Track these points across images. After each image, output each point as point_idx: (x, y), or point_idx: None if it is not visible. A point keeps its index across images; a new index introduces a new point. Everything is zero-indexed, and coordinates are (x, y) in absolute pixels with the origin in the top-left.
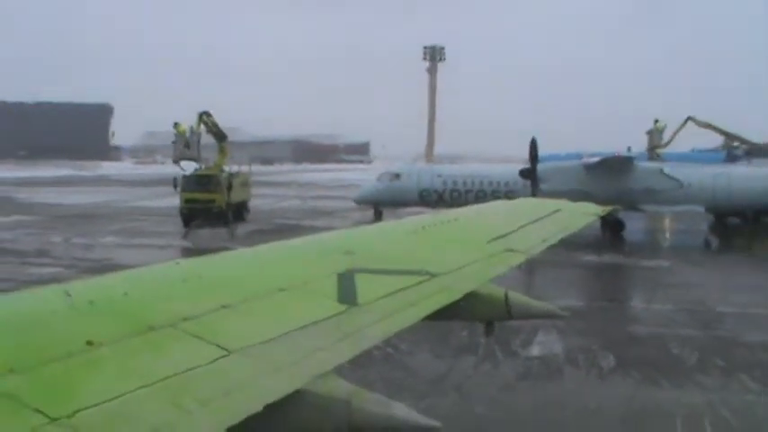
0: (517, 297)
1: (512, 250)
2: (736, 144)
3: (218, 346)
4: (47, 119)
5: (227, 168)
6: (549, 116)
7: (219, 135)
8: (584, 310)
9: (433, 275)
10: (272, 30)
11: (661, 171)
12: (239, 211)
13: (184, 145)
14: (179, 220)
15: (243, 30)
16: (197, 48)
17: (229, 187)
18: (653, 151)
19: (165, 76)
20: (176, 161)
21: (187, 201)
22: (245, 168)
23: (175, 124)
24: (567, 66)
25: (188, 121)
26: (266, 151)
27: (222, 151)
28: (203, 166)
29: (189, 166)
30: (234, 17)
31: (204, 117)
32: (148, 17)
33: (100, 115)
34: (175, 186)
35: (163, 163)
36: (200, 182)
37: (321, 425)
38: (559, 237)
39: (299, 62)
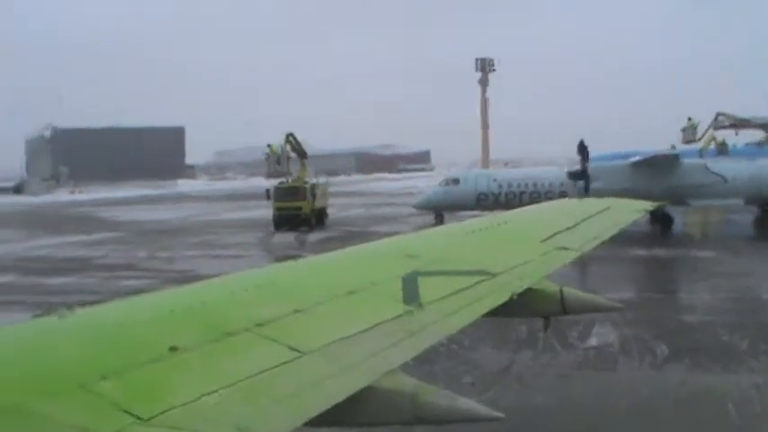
0: (572, 292)
1: (565, 248)
2: None
3: (292, 348)
4: (127, 142)
5: (310, 180)
6: (595, 118)
7: (301, 153)
8: (637, 301)
9: (491, 275)
10: (334, 48)
11: (705, 167)
12: (320, 216)
13: (276, 162)
14: (254, 231)
15: (305, 49)
16: (260, 67)
17: (313, 196)
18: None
19: (231, 96)
20: (269, 176)
21: (279, 208)
22: (322, 180)
23: (268, 145)
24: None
25: (261, 138)
26: (331, 164)
27: (304, 166)
28: (290, 179)
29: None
30: (295, 37)
31: (289, 137)
32: (210, 40)
33: (174, 137)
34: (268, 197)
35: (234, 179)
36: (289, 192)
37: (389, 418)
38: (610, 233)
39: (358, 76)
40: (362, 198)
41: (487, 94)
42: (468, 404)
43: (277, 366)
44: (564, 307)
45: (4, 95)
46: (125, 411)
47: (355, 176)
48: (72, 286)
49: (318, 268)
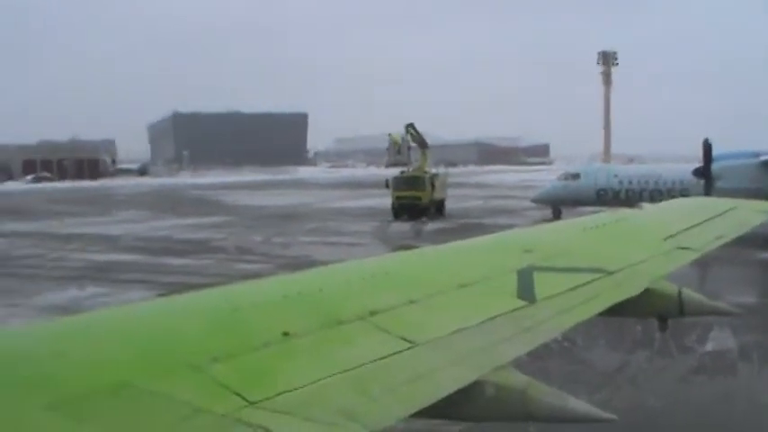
0: (690, 294)
1: (685, 248)
2: None
3: (404, 339)
4: (249, 128)
5: (429, 170)
6: (724, 115)
7: (422, 143)
8: (759, 307)
9: (608, 272)
10: (453, 36)
11: None
12: (439, 207)
13: (397, 152)
14: (371, 220)
15: (424, 37)
16: (381, 56)
17: (432, 186)
18: None
19: (353, 83)
20: (389, 165)
21: (398, 198)
22: (442, 170)
23: (390, 134)
24: (736, 64)
25: (381, 127)
26: (451, 154)
27: (424, 156)
28: (410, 169)
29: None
30: (414, 25)
31: (410, 128)
32: (331, 28)
33: (296, 123)
34: (387, 186)
35: (354, 167)
36: (408, 182)
37: (498, 414)
38: (733, 235)
39: (480, 67)
40: (481, 189)
41: (610, 88)
42: (578, 404)
43: (388, 356)
44: (682, 309)
45: (129, 80)
46: (235, 393)
47: (472, 167)
48: (190, 268)
49: (433, 259)
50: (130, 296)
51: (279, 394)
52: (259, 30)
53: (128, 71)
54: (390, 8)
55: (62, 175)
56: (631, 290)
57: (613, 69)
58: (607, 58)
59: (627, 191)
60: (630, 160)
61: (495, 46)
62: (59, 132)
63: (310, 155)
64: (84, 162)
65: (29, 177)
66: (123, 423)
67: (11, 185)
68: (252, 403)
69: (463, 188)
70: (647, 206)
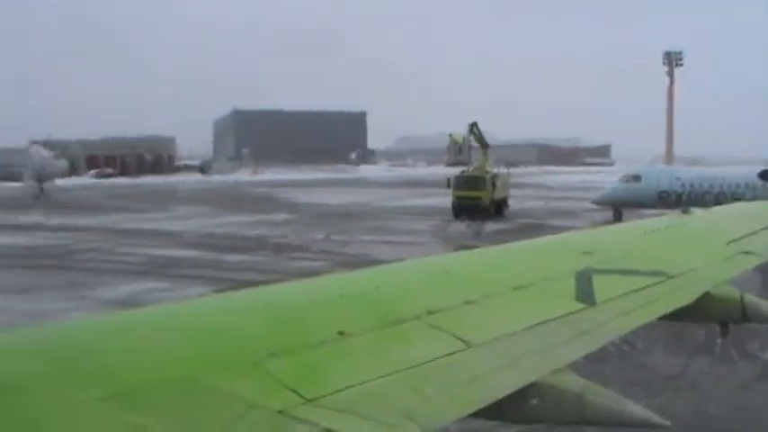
0: (753, 300)
1: (749, 252)
2: None
3: (461, 339)
4: (309, 126)
5: (491, 170)
6: None
7: (483, 143)
8: None
9: (668, 276)
10: (514, 36)
11: None
12: (500, 207)
13: (458, 151)
14: (431, 219)
15: (484, 37)
16: (440, 55)
17: (493, 186)
18: None
19: (414, 82)
20: (450, 165)
21: (458, 197)
22: (504, 170)
23: (451, 134)
24: None
25: (442, 126)
26: (511, 154)
27: (486, 156)
28: (470, 169)
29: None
30: (475, 24)
31: (473, 127)
32: (393, 27)
33: (356, 122)
34: (448, 186)
35: (413, 166)
36: (469, 181)
37: (554, 417)
38: None
39: (542, 67)
40: (540, 190)
41: (673, 88)
42: (636, 409)
43: (444, 356)
44: (745, 314)
45: (193, 78)
46: (291, 390)
47: (532, 168)
48: (250, 264)
49: (492, 260)
50: (190, 292)
51: (335, 392)
52: (321, 29)
53: (190, 68)
54: (451, 7)
55: (124, 171)
56: (692, 294)
57: (678, 69)
58: (671, 58)
59: (689, 193)
60: (694, 162)
61: (557, 46)
62: (122, 129)
63: (370, 152)
64: (146, 158)
65: (92, 172)
66: (182, 417)
67: (75, 180)
68: (308, 400)
69: (523, 189)
70: (696, 211)
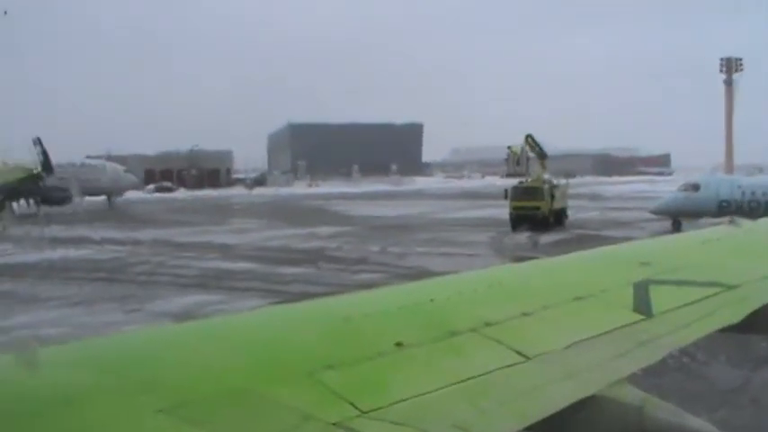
0: None
1: None
2: None
3: (518, 352)
4: (364, 138)
5: (549, 181)
6: None
7: (541, 154)
8: None
9: (728, 287)
10: (568, 47)
11: None
12: (559, 217)
13: (516, 162)
14: (488, 231)
15: (539, 48)
16: (496, 67)
17: (552, 196)
18: None
19: (469, 94)
20: (508, 176)
21: (516, 208)
22: (563, 181)
23: (509, 147)
24: None
25: (497, 137)
26: (568, 164)
27: (543, 167)
28: (528, 179)
29: None
30: (529, 36)
31: (529, 138)
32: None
33: (412, 134)
34: (506, 197)
35: (469, 177)
36: (527, 192)
37: (614, 430)
38: None
39: (598, 75)
40: (598, 201)
41: (733, 95)
42: (696, 423)
43: (501, 368)
44: None
45: (249, 91)
46: (348, 402)
47: (589, 178)
48: (305, 276)
49: (548, 271)
50: (245, 304)
51: (391, 404)
52: (377, 41)
53: (247, 82)
54: (505, 19)
55: (181, 185)
56: (753, 305)
57: (739, 76)
58: (731, 65)
59: (749, 202)
60: (759, 170)
61: (617, 55)
62: (178, 143)
63: (426, 165)
64: (203, 172)
65: (150, 187)
66: (238, 428)
67: (133, 194)
68: (364, 412)
69: (580, 199)
70: (740, 221)
